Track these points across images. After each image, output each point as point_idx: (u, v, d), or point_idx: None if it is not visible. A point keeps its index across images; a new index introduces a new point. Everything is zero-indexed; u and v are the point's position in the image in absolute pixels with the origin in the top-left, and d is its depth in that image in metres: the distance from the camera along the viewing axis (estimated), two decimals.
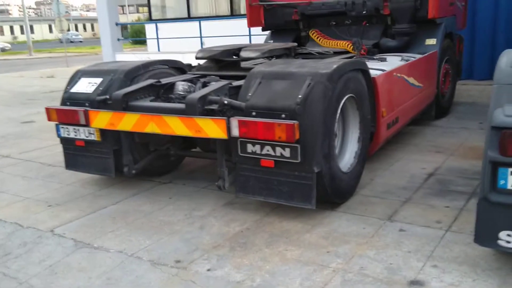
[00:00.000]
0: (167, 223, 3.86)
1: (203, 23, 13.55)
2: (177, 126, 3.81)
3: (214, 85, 4.04)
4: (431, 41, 6.61)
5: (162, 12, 16.00)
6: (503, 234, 2.70)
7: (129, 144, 4.40)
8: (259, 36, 12.36)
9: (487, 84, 10.00)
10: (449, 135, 6.20)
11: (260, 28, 7.78)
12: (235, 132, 3.58)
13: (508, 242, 2.69)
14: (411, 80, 5.53)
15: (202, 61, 5.24)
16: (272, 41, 7.62)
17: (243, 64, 4.93)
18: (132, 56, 13.89)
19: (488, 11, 10.00)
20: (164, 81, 4.53)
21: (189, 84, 4.48)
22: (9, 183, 5.09)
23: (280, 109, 3.51)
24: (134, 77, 4.55)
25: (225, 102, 3.72)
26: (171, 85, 4.51)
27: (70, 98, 4.55)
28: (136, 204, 4.28)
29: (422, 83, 5.93)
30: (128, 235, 3.67)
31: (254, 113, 3.60)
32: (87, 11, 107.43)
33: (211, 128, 3.66)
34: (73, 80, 4.69)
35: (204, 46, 14.02)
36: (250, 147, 3.62)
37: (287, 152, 3.48)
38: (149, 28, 15.57)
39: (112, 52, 14.07)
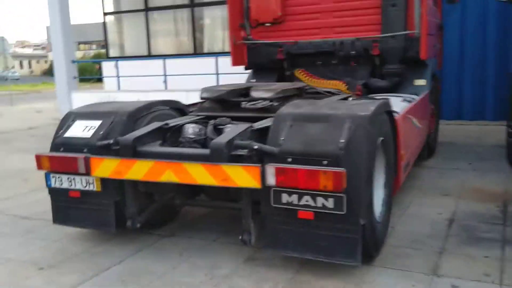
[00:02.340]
0: (189, 285, 3.38)
1: (159, 61, 13.21)
2: (200, 174, 3.39)
3: (236, 128, 3.67)
4: (421, 82, 6.55)
5: (120, 50, 15.49)
6: None
7: (133, 195, 3.92)
8: (228, 75, 12.22)
9: (457, 124, 10.22)
10: (446, 177, 6.09)
11: (231, 66, 7.53)
12: (271, 180, 3.21)
13: None
14: (415, 121, 5.40)
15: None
16: (254, 80, 7.36)
17: (248, 105, 4.61)
18: (90, 95, 13.27)
19: (454, 52, 10.30)
20: (171, 123, 4.12)
21: (200, 126, 4.09)
22: None
23: (320, 155, 3.19)
24: (137, 120, 4.11)
25: (255, 147, 3.36)
26: (178, 128, 4.11)
27: (64, 144, 4.02)
28: (144, 263, 3.76)
29: (421, 123, 5.83)
30: None
31: (289, 159, 3.26)
32: (22, 47, 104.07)
33: (241, 176, 3.27)
34: (66, 123, 4.18)
35: (166, 85, 13.74)
36: (285, 197, 3.26)
37: (330, 203, 3.15)
38: (107, 66, 14.99)
39: (67, 90, 13.41)
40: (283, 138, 3.35)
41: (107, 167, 3.68)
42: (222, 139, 3.44)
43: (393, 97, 5.61)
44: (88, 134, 3.99)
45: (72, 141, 4.00)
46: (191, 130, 4.05)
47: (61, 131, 4.12)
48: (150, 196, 4.17)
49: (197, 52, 13.97)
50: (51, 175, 4.01)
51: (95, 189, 3.89)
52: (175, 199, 4.22)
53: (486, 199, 5.09)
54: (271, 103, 4.41)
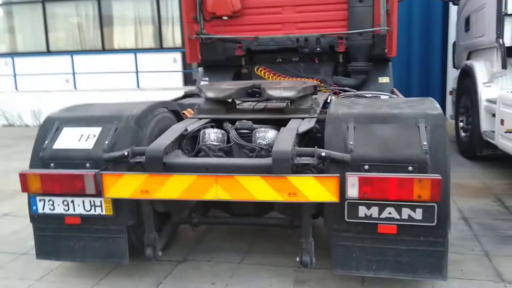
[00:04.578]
0: None
1: (64, 58, 11.93)
2: (259, 189, 2.82)
3: (286, 134, 3.13)
4: (384, 79, 6.46)
5: (11, 45, 13.66)
6: None
7: (152, 217, 3.21)
8: (148, 73, 11.36)
9: None
10: None
11: (188, 62, 6.92)
12: (353, 192, 2.75)
13: None
14: None
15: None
16: (207, 79, 6.75)
17: (260, 106, 4.09)
18: None
19: (402, 56, 10.31)
20: (189, 129, 3.46)
21: (222, 131, 3.49)
22: None
23: (404, 160, 2.81)
24: (143, 125, 3.39)
25: (323, 154, 2.87)
26: (193, 134, 3.47)
27: (55, 158, 3.16)
28: None
29: None
30: None
31: (366, 167, 2.83)
32: None
33: (314, 189, 2.76)
34: (49, 131, 3.30)
35: (67, 83, 12.36)
36: (363, 211, 2.82)
37: (418, 214, 2.77)
38: None
39: None
40: (352, 143, 2.91)
41: (128, 185, 2.94)
42: (285, 145, 2.90)
43: (381, 95, 5.42)
44: (88, 144, 3.18)
45: (66, 154, 3.16)
46: (213, 136, 3.42)
47: (47, 141, 3.24)
48: (166, 216, 3.48)
49: (105, 48, 12.78)
50: (38, 198, 3.14)
51: (104, 213, 3.10)
52: (193, 218, 3.57)
53: (475, 195, 5.10)
54: (285, 103, 3.95)
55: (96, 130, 3.25)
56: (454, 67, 8.18)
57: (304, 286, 3.22)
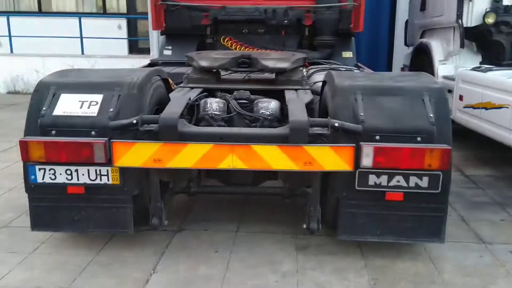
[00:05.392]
0: None
1: None
2: (276, 159, 2.87)
3: (297, 104, 3.17)
4: (348, 54, 6.61)
5: None
6: None
7: (158, 187, 3.16)
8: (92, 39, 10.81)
9: None
10: None
11: (152, 30, 6.72)
12: (367, 162, 2.87)
13: None
14: None
15: None
16: (170, 47, 6.60)
17: (253, 76, 4.10)
18: None
19: None
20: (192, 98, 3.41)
21: (223, 101, 3.47)
22: None
23: (413, 131, 2.95)
24: (145, 92, 3.29)
25: (336, 124, 2.95)
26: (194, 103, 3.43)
27: (56, 125, 3.01)
28: (185, 269, 3.09)
29: None
30: None
31: (377, 137, 2.95)
32: None
33: (329, 159, 2.86)
34: (45, 97, 3.11)
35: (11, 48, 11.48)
36: (372, 179, 2.95)
37: (424, 182, 2.94)
38: None
39: None
40: (362, 114, 3.01)
41: (140, 154, 2.88)
42: (300, 115, 2.94)
43: (352, 68, 5.57)
44: (91, 111, 3.05)
45: (69, 121, 3.02)
46: (215, 105, 3.40)
47: (45, 107, 3.07)
48: (165, 186, 3.43)
49: (42, 10, 12.03)
50: (38, 167, 2.99)
51: (110, 182, 3.02)
52: (191, 187, 3.56)
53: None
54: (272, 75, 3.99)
55: (97, 97, 3.12)
56: (406, 44, 8.52)
57: (307, 251, 3.33)
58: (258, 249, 3.36)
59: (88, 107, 3.08)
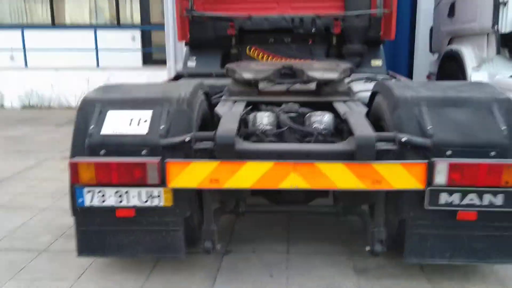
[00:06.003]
0: None
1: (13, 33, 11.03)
2: (341, 177, 2.67)
3: (356, 118, 2.99)
4: (377, 62, 6.45)
5: None
6: None
7: (212, 208, 2.98)
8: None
9: None
10: None
11: (178, 41, 6.54)
12: (440, 179, 2.67)
13: None
14: None
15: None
16: (195, 58, 6.44)
17: (297, 88, 3.93)
18: None
19: None
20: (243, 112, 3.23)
21: (273, 115, 3.29)
22: None
23: (486, 145, 2.76)
24: (194, 108, 3.12)
25: (403, 139, 2.76)
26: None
27: (105, 144, 2.83)
28: None
29: None
30: None
31: (449, 152, 2.76)
32: None
33: (399, 177, 2.67)
34: (92, 115, 2.93)
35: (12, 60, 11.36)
36: (444, 198, 2.75)
37: (498, 200, 2.74)
38: None
39: None
40: (430, 127, 2.82)
41: (195, 174, 2.70)
42: (367, 131, 2.76)
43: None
44: (141, 128, 2.87)
45: (118, 140, 2.84)
46: (266, 120, 3.22)
47: (92, 126, 2.89)
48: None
49: (55, 23, 11.93)
50: (86, 189, 2.81)
51: (162, 204, 2.83)
52: (240, 206, 3.37)
53: None
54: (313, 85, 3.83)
55: (147, 114, 2.95)
56: (431, 51, 8.34)
57: (368, 275, 3.13)
58: (315, 272, 3.17)
59: (138, 124, 2.90)
